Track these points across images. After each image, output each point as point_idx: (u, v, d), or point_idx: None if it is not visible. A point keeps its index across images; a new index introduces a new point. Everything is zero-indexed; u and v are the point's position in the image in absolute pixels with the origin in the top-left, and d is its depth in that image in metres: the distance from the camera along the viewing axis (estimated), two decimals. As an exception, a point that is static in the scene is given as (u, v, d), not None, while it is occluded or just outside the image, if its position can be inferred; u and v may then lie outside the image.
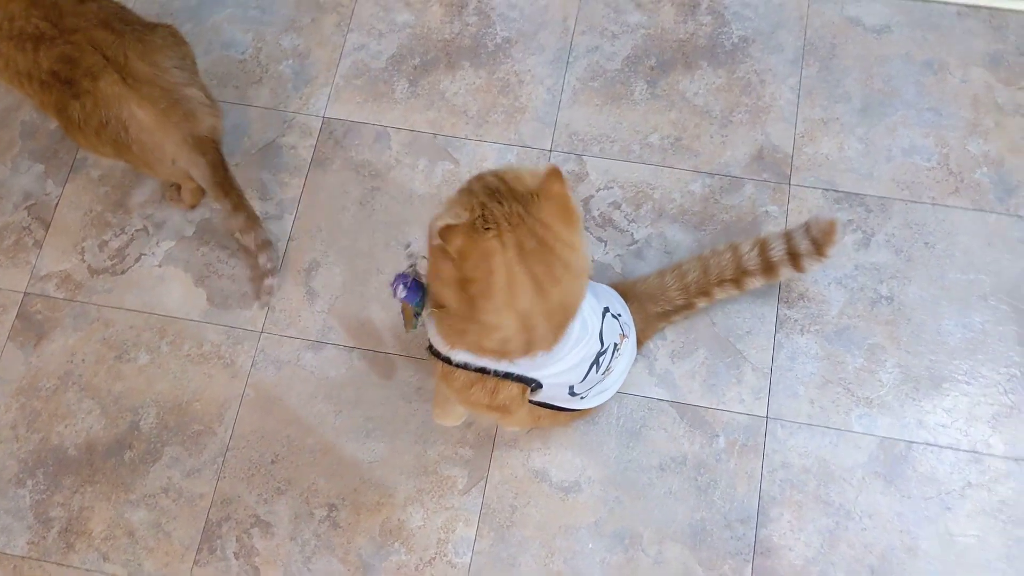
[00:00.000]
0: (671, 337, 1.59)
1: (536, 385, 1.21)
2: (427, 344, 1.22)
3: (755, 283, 1.52)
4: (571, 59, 1.80)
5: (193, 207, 1.71)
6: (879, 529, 1.47)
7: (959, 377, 1.55)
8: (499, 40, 1.82)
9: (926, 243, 1.64)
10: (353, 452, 1.56)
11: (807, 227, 1.49)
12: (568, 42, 1.81)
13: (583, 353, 1.21)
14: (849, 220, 1.65)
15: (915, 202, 1.66)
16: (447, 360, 1.18)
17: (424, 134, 1.76)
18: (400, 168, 1.74)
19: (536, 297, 1.05)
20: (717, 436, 1.54)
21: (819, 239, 1.48)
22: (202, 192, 1.69)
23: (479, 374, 1.18)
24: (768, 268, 1.50)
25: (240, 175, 1.72)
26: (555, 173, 1.04)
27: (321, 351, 1.63)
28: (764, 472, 1.52)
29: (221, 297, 1.67)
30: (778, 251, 1.49)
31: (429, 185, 1.72)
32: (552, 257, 1.04)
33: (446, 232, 1.01)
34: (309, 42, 1.84)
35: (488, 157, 1.74)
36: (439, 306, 1.11)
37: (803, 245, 1.49)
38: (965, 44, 1.77)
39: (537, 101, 1.77)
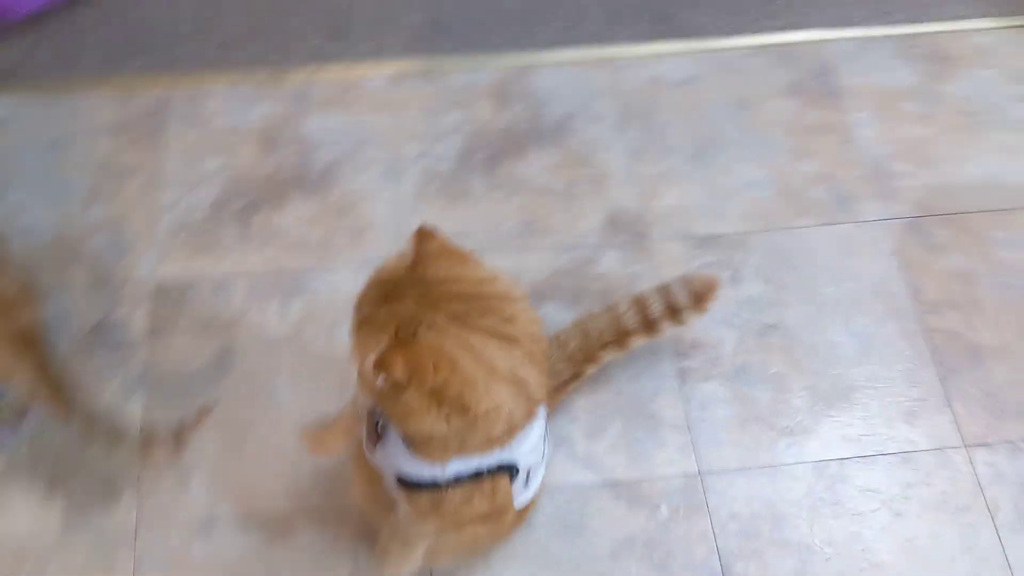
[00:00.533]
0: (583, 417, 1.52)
1: (516, 472, 1.10)
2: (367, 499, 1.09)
3: (639, 341, 1.48)
4: (402, 169, 1.74)
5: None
6: (842, 555, 1.43)
7: (863, 384, 1.56)
8: (323, 165, 1.74)
9: (791, 266, 1.67)
10: (276, 637, 1.36)
11: (687, 282, 1.47)
12: (395, 153, 1.76)
13: (542, 425, 1.11)
14: (716, 260, 1.66)
15: (769, 231, 1.69)
16: (434, 486, 1.05)
17: (267, 275, 1.64)
18: (251, 315, 1.60)
19: (507, 350, 0.95)
20: (658, 506, 1.46)
21: (701, 293, 1.47)
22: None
23: (474, 482, 1.06)
24: (648, 325, 1.46)
25: (71, 363, 1.53)
26: (420, 233, 0.96)
27: (212, 533, 1.43)
28: (715, 530, 1.45)
29: (80, 507, 1.44)
30: (656, 308, 1.46)
31: (287, 326, 1.59)
32: (486, 303, 0.94)
33: (382, 364, 0.89)
34: (119, 209, 1.69)
35: (343, 284, 1.63)
36: (424, 443, 0.99)
37: (682, 299, 1.47)
38: (764, 79, 1.86)
39: (380, 216, 1.70)
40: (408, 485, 1.07)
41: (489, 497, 1.08)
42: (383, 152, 1.76)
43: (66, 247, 1.65)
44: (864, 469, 1.49)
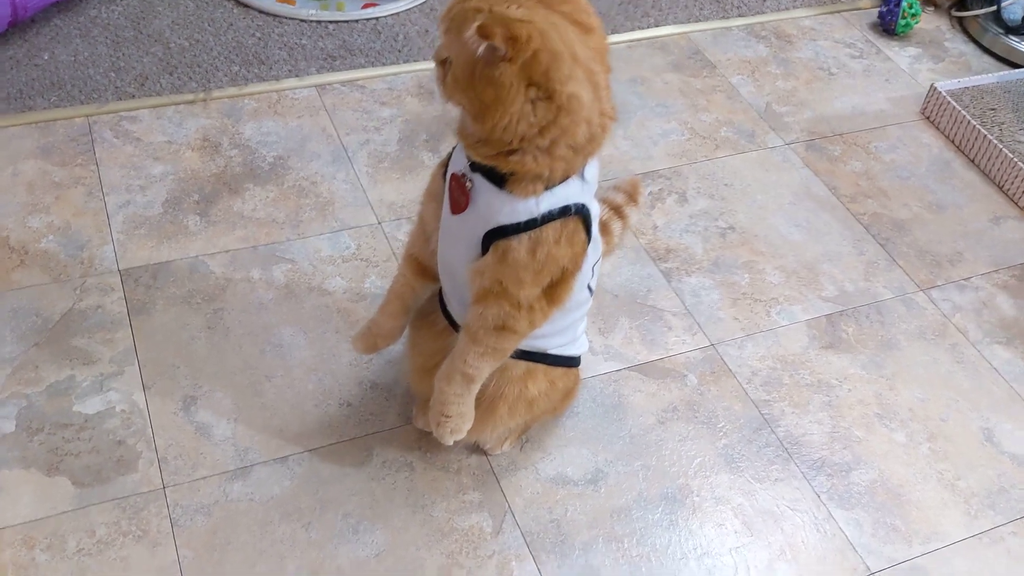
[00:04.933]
0: (590, 320, 1.55)
1: (589, 223, 1.11)
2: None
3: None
4: (350, 155, 1.78)
5: None
6: (859, 386, 1.52)
7: (821, 259, 1.72)
8: (271, 160, 1.75)
9: (725, 184, 1.83)
10: (350, 555, 1.23)
11: (617, 187, 1.61)
12: (338, 144, 1.80)
13: (595, 197, 1.15)
14: (660, 188, 1.80)
15: (695, 163, 1.87)
16: (529, 226, 1.05)
17: (242, 250, 1.59)
18: (234, 285, 1.53)
19: (584, 38, 1.00)
20: (686, 376, 1.50)
21: (630, 191, 1.59)
22: None
23: (563, 219, 1.07)
24: (602, 227, 1.56)
25: (48, 352, 1.40)
26: None
27: (249, 476, 1.30)
28: (744, 385, 1.50)
29: (91, 475, 1.28)
30: (603, 210, 1.57)
31: (275, 288, 1.54)
32: None
33: (484, 31, 0.93)
34: (63, 216, 1.60)
35: (322, 247, 1.61)
36: (509, 148, 1.01)
37: (620, 199, 1.59)
38: (649, 62, 2.10)
39: (340, 192, 1.71)
40: (505, 235, 1.07)
41: (570, 243, 1.09)
42: (326, 145, 1.79)
43: (10, 255, 1.53)
44: (848, 319, 1.62)
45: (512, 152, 1.03)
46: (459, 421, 1.24)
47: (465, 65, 0.99)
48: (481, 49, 0.95)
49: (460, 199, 1.11)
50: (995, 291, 1.70)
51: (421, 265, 1.26)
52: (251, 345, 1.46)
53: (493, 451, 1.37)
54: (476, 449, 1.37)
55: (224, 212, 1.65)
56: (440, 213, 1.18)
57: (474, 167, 1.09)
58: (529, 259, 1.09)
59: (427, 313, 1.30)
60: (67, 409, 1.35)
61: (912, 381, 1.54)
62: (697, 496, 1.35)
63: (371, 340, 1.32)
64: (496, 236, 1.09)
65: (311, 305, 1.52)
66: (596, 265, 1.25)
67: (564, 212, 1.08)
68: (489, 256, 1.10)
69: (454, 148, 1.14)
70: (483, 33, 0.94)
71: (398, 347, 1.47)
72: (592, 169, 1.12)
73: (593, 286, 1.26)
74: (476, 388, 1.22)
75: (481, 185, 1.08)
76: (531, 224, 1.07)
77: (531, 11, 0.97)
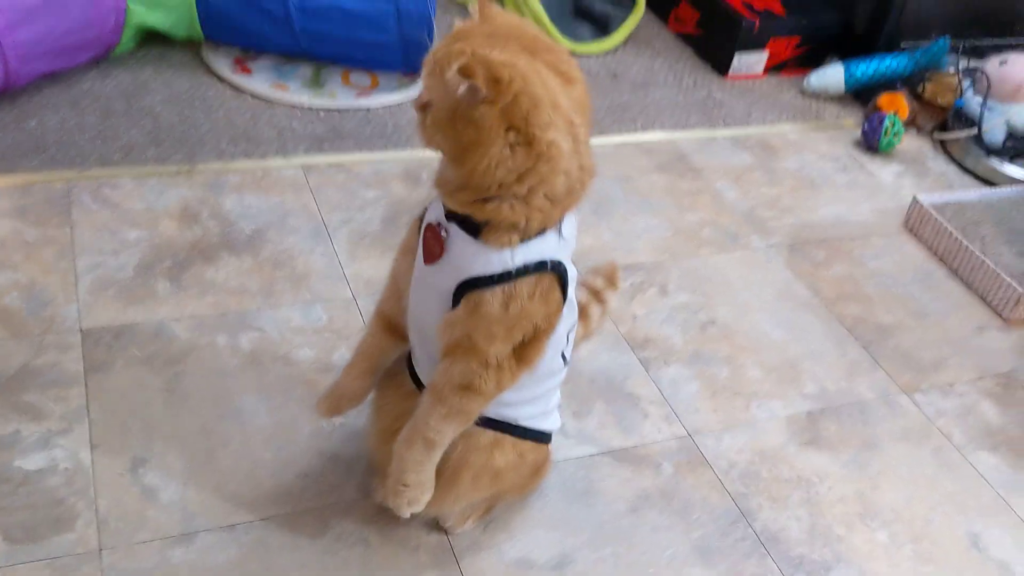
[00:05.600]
0: (565, 403, 1.49)
1: (565, 283, 1.08)
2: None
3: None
4: (330, 232, 1.76)
5: None
6: (839, 484, 1.46)
7: (803, 357, 1.68)
8: (249, 232, 1.73)
9: (707, 280, 1.82)
10: (293, 632, 1.15)
11: (596, 271, 1.60)
12: (319, 221, 1.78)
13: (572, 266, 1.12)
14: (641, 280, 1.78)
15: (677, 258, 1.85)
16: (503, 278, 1.02)
17: (210, 316, 1.55)
18: (198, 350, 1.49)
19: (566, 88, 0.99)
20: (660, 465, 1.44)
21: (609, 274, 1.58)
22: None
23: (539, 274, 1.04)
24: (580, 311, 1.54)
25: (-4, 404, 1.34)
26: (481, 2, 1.03)
27: (193, 542, 1.22)
28: (720, 477, 1.44)
29: (24, 532, 1.20)
30: (581, 295, 1.56)
31: (239, 356, 1.49)
32: (546, 45, 1.00)
33: (466, 70, 0.92)
34: (30, 274, 1.56)
35: (292, 318, 1.57)
36: (491, 210, 0.99)
37: (599, 283, 1.58)
38: (635, 163, 2.11)
39: (317, 266, 1.68)
40: (478, 286, 1.04)
41: (544, 301, 1.06)
42: (307, 221, 1.78)
43: (-28, 308, 1.49)
44: (830, 418, 1.57)
45: (489, 200, 1.02)
46: (417, 491, 1.18)
47: (446, 106, 0.98)
48: (463, 89, 0.94)
49: (434, 248, 1.08)
50: (980, 398, 1.66)
51: (390, 322, 1.22)
52: (210, 410, 1.40)
53: (454, 529, 1.29)
54: (437, 526, 1.29)
55: (196, 279, 1.61)
56: (413, 268, 1.15)
57: (450, 217, 1.07)
58: (502, 313, 1.05)
59: (394, 374, 1.26)
60: (7, 463, 1.28)
61: (896, 481, 1.48)
62: (668, 588, 1.28)
63: (335, 402, 1.27)
64: (469, 288, 1.06)
65: (275, 375, 1.47)
66: (571, 332, 1.21)
67: (540, 267, 1.06)
68: (460, 308, 1.07)
69: (430, 203, 1.13)
70: (465, 72, 0.93)
71: (361, 420, 1.42)
72: (570, 227, 1.10)
73: (568, 355, 1.22)
74: (437, 456, 1.17)
75: (456, 235, 1.06)
76: (505, 276, 1.04)
77: (514, 56, 0.97)
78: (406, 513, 1.20)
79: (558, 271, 1.08)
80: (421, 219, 1.14)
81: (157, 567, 1.19)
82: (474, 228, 1.04)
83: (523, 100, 0.96)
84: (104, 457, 1.31)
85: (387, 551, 1.26)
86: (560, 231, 1.07)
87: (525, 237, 1.04)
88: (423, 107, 1.02)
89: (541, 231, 1.05)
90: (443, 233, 1.07)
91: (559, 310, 1.11)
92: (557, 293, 1.09)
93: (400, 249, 1.19)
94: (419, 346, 1.19)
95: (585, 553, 1.30)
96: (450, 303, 1.08)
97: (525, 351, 1.10)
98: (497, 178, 0.99)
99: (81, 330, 1.49)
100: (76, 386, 1.40)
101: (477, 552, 1.28)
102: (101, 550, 1.20)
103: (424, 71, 1.02)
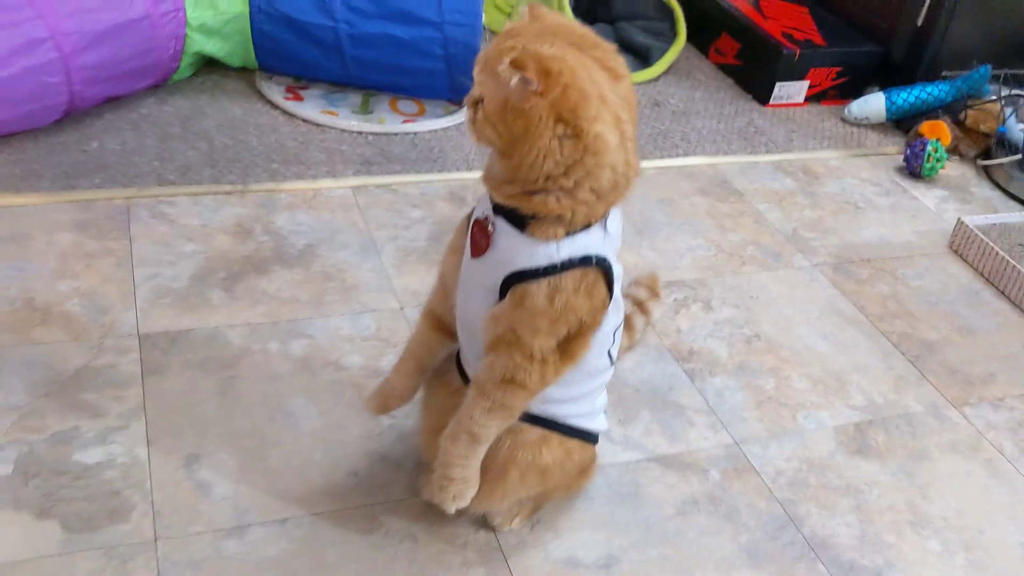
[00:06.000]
0: (611, 410, 1.51)
1: (611, 281, 1.10)
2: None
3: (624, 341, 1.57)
4: (378, 248, 1.80)
5: None
6: (889, 492, 1.45)
7: (848, 370, 1.68)
8: (300, 247, 1.77)
9: (751, 297, 1.82)
10: (343, 622, 1.16)
11: (637, 282, 1.69)
12: (368, 238, 1.82)
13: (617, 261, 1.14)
14: (685, 296, 1.79)
15: (721, 276, 1.86)
16: (549, 271, 1.04)
17: (263, 324, 1.58)
18: (251, 355, 1.52)
19: (613, 83, 1.01)
20: (707, 471, 1.44)
21: (651, 285, 1.69)
22: None
23: (583, 269, 1.05)
24: (626, 322, 1.57)
25: (56, 402, 1.38)
26: (531, 6, 1.06)
27: (245, 535, 1.24)
28: (768, 484, 1.43)
29: (81, 521, 1.23)
30: (627, 306, 1.58)
31: (291, 362, 1.52)
32: (593, 41, 1.03)
33: (518, 63, 0.95)
34: (90, 282, 1.61)
35: (342, 326, 1.60)
36: (533, 187, 1.01)
37: (642, 294, 1.66)
38: (676, 187, 2.14)
39: (365, 279, 1.72)
40: (524, 279, 1.06)
41: (589, 295, 1.07)
42: (356, 238, 1.82)
43: (32, 314, 1.53)
44: (877, 428, 1.56)
45: (536, 193, 1.04)
46: (463, 486, 1.19)
47: (498, 100, 1.01)
48: (514, 81, 0.97)
49: (481, 242, 1.11)
50: (1031, 412, 1.64)
51: (439, 321, 1.24)
52: (261, 412, 1.43)
53: (502, 527, 1.30)
54: (484, 524, 1.30)
55: (248, 290, 1.65)
56: (460, 266, 1.18)
57: (496, 211, 1.10)
58: (547, 306, 1.07)
59: (442, 373, 1.28)
60: (67, 457, 1.31)
61: (946, 492, 1.46)
62: (717, 589, 1.27)
63: (383, 400, 1.29)
64: (515, 281, 1.08)
65: (325, 379, 1.50)
66: (617, 332, 1.22)
67: (584, 261, 1.07)
68: (506, 301, 1.09)
69: (477, 202, 1.15)
70: (517, 65, 0.97)
71: (410, 421, 1.44)
72: (615, 223, 1.12)
73: (614, 354, 1.24)
74: (482, 451, 1.18)
75: (503, 228, 1.09)
76: (551, 270, 1.06)
77: (563, 50, 1.01)
78: (451, 508, 1.21)
79: (603, 266, 1.09)
80: (469, 218, 1.16)
81: (210, 558, 1.21)
82: (520, 222, 1.07)
83: (571, 93, 0.98)
84: (159, 453, 1.34)
85: (435, 547, 1.27)
86: (605, 226, 1.09)
87: (570, 231, 1.06)
88: (475, 103, 1.05)
89: (586, 225, 1.07)
90: (490, 227, 1.10)
91: (604, 306, 1.12)
92: (602, 288, 1.10)
93: (448, 248, 1.22)
94: (467, 343, 1.21)
95: (632, 554, 1.30)
96: (496, 297, 1.10)
97: (569, 346, 1.12)
98: (545, 170, 1.02)
99: (138, 335, 1.53)
100: (133, 387, 1.43)
101: (524, 550, 1.28)
102: (156, 540, 1.22)
103: (476, 68, 1.05)
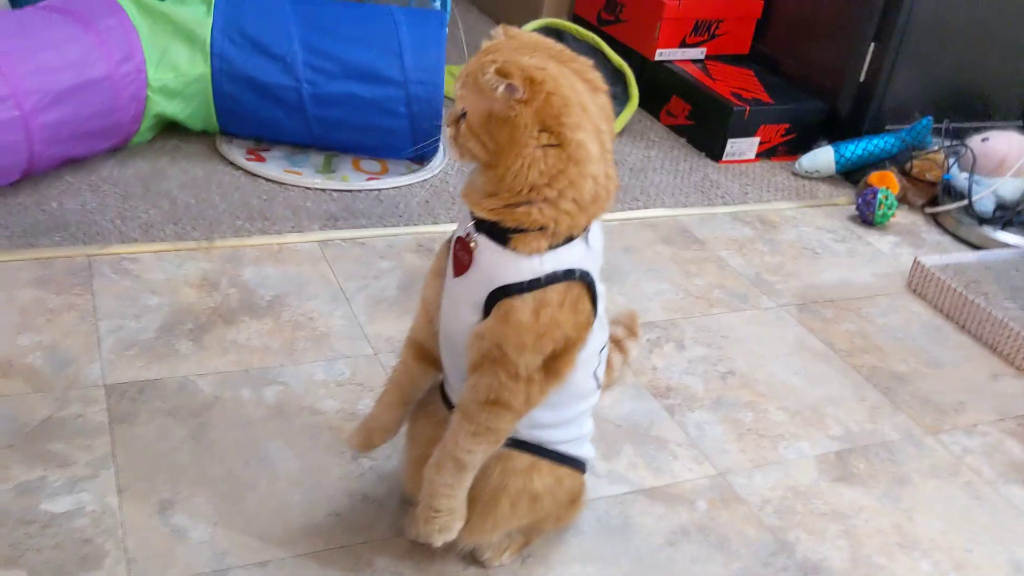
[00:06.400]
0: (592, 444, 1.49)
1: (595, 297, 1.09)
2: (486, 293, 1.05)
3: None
4: (348, 297, 1.78)
5: None
6: (875, 516, 1.44)
7: (823, 402, 1.69)
8: (269, 298, 1.75)
9: (722, 336, 1.84)
10: (332, 663, 1.10)
11: (615, 321, 1.67)
12: (337, 287, 1.80)
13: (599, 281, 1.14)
14: (657, 336, 1.80)
15: (691, 317, 1.88)
16: (532, 286, 1.03)
17: (233, 372, 1.55)
18: (223, 403, 1.48)
19: (592, 95, 1.03)
20: (694, 502, 1.42)
21: (629, 324, 1.68)
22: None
23: (567, 283, 1.05)
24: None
25: (21, 453, 1.33)
26: (504, 27, 1.09)
27: (226, 579, 1.19)
28: (755, 512, 1.42)
29: (51, 570, 1.16)
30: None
31: (264, 408, 1.48)
32: (571, 56, 1.05)
33: (503, 71, 0.97)
34: (53, 336, 1.56)
35: (315, 373, 1.57)
36: (517, 199, 1.02)
37: (620, 332, 1.65)
38: (639, 236, 2.16)
39: (337, 326, 1.69)
40: (508, 294, 1.05)
41: (574, 310, 1.07)
42: (325, 288, 1.80)
43: (-6, 368, 1.48)
44: (858, 456, 1.57)
45: (519, 204, 1.05)
46: (449, 518, 1.16)
47: (481, 111, 1.02)
48: (501, 89, 0.99)
49: (464, 259, 1.10)
50: (1003, 436, 1.66)
51: (422, 349, 1.23)
52: (236, 457, 1.38)
53: (492, 562, 1.26)
54: (473, 561, 1.26)
55: (218, 339, 1.62)
56: (442, 290, 1.17)
57: (478, 228, 1.09)
58: (532, 321, 1.06)
59: (426, 403, 1.25)
60: (33, 507, 1.25)
61: (930, 514, 1.46)
62: (714, 616, 1.24)
63: (367, 435, 1.26)
64: (500, 296, 1.07)
65: (301, 423, 1.46)
66: (603, 352, 1.22)
67: (568, 275, 1.07)
68: (491, 318, 1.08)
69: (457, 225, 1.15)
70: (502, 73, 0.98)
71: (392, 463, 1.40)
72: (596, 238, 1.12)
73: (600, 376, 1.23)
74: (468, 479, 1.15)
75: (485, 245, 1.08)
76: (535, 284, 1.06)
77: (544, 61, 1.03)
78: (438, 541, 1.17)
79: (586, 280, 1.09)
80: (450, 241, 1.16)
81: (190, 603, 1.15)
82: (503, 237, 1.07)
83: (555, 100, 1.00)
84: (131, 500, 1.28)
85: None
86: (587, 240, 1.10)
87: (553, 244, 1.06)
88: (456, 120, 1.06)
89: (568, 238, 1.07)
90: (472, 243, 1.09)
91: (589, 322, 1.12)
92: (587, 303, 1.10)
93: (430, 272, 1.21)
94: (451, 368, 1.19)
95: (626, 584, 1.27)
96: (481, 315, 1.09)
97: (555, 364, 1.11)
98: (529, 180, 1.03)
99: (104, 385, 1.48)
100: (101, 436, 1.38)
101: (516, 585, 1.25)
102: (131, 587, 1.16)
103: (457, 85, 1.07)
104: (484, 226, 1.08)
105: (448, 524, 1.17)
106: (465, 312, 1.11)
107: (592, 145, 1.03)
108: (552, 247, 1.06)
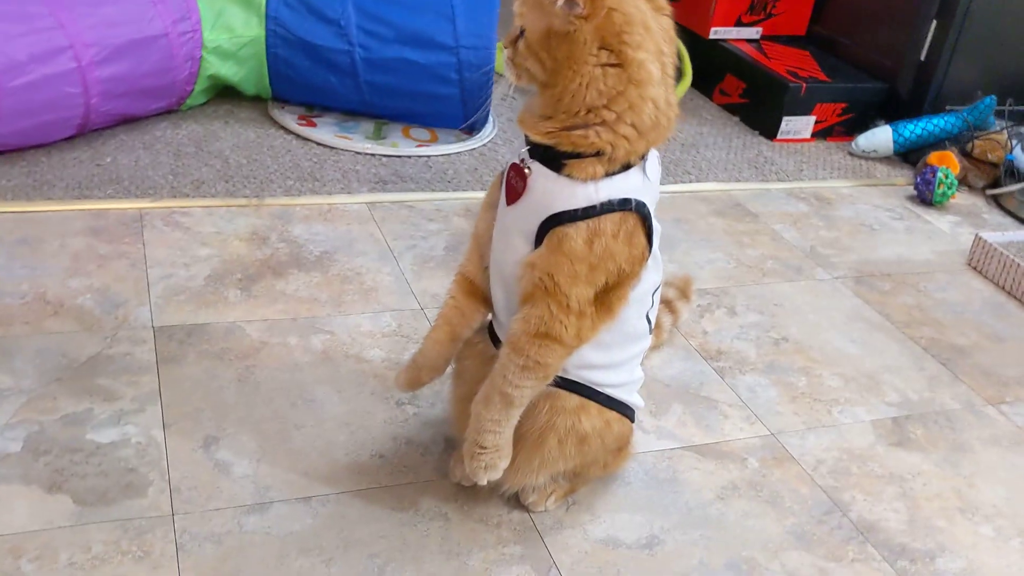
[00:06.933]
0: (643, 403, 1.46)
1: (651, 229, 1.07)
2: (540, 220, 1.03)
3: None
4: (396, 255, 1.77)
5: None
6: (934, 481, 1.39)
7: (880, 370, 1.64)
8: (317, 254, 1.74)
9: (775, 304, 1.79)
10: (374, 595, 1.08)
11: (669, 283, 1.66)
12: (385, 246, 1.79)
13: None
14: (709, 303, 1.76)
15: (743, 286, 1.84)
16: (588, 213, 1.01)
17: (281, 320, 1.54)
18: (270, 348, 1.47)
19: (656, 15, 1.01)
20: (746, 459, 1.39)
21: (682, 287, 1.67)
22: None
23: (623, 212, 1.02)
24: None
25: (69, 386, 1.33)
26: None
27: (267, 511, 1.18)
28: (809, 472, 1.38)
29: (95, 495, 1.16)
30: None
31: (311, 354, 1.47)
32: None
33: None
34: (103, 280, 1.57)
35: (362, 323, 1.56)
36: (574, 121, 1.00)
37: (672, 294, 1.64)
38: (692, 209, 2.13)
39: (384, 282, 1.68)
40: (561, 222, 1.03)
41: (628, 242, 1.04)
42: (373, 246, 1.79)
43: (44, 306, 1.49)
44: (916, 423, 1.52)
45: (575, 127, 1.02)
46: (495, 455, 1.14)
47: (541, 27, 1.00)
48: (560, 3, 0.97)
49: (518, 185, 1.08)
50: (1069, 410, 1.60)
51: (472, 285, 1.21)
52: (282, 398, 1.37)
53: (536, 506, 1.24)
54: (518, 505, 1.24)
55: (266, 289, 1.61)
56: (495, 223, 1.15)
57: (532, 154, 1.07)
58: (586, 250, 1.04)
59: (474, 342, 1.23)
60: (80, 436, 1.25)
61: (993, 481, 1.41)
62: (767, 570, 1.20)
63: (415, 372, 1.24)
64: (553, 224, 1.05)
65: (347, 370, 1.45)
66: (656, 294, 1.19)
67: (624, 205, 1.05)
68: (543, 246, 1.05)
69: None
70: None
71: (436, 410, 1.38)
72: (655, 168, 1.10)
73: (652, 318, 1.20)
74: (515, 415, 1.13)
75: (539, 172, 1.06)
76: (590, 212, 1.03)
77: None
78: (483, 479, 1.15)
79: (642, 212, 1.06)
80: (504, 172, 1.14)
81: (231, 532, 1.14)
82: (557, 164, 1.04)
83: (616, 16, 0.98)
84: (176, 435, 1.28)
85: (468, 527, 1.20)
86: (645, 170, 1.07)
87: (610, 171, 1.04)
88: (514, 41, 1.04)
89: (626, 165, 1.04)
90: (527, 169, 1.07)
91: (644, 256, 1.09)
92: (642, 237, 1.07)
93: (483, 205, 1.19)
94: (502, 302, 1.17)
95: (675, 535, 1.24)
96: (533, 245, 1.07)
97: (607, 297, 1.08)
98: (588, 101, 1.00)
99: (153, 327, 1.48)
100: (148, 373, 1.38)
101: (561, 530, 1.22)
102: (174, 515, 1.15)
103: (517, 2, 1.04)
104: (539, 152, 1.06)
105: (494, 462, 1.14)
106: (517, 242, 1.09)
107: (653, 66, 1.01)
108: (609, 174, 1.04)
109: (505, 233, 1.11)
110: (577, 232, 1.04)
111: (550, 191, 1.05)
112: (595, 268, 1.05)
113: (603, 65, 0.99)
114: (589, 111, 1.01)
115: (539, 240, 1.06)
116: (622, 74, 0.99)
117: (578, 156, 1.03)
